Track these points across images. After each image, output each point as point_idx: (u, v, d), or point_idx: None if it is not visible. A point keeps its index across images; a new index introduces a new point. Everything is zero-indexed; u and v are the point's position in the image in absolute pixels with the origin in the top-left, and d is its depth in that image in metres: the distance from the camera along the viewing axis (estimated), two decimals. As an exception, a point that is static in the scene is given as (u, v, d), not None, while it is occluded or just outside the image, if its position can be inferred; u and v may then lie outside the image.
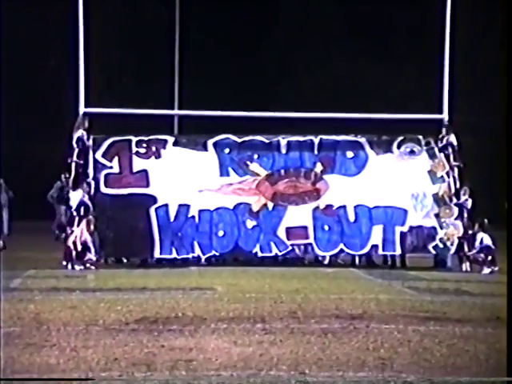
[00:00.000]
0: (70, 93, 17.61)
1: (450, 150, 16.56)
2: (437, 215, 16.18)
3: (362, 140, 16.53)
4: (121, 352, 7.73)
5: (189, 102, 25.06)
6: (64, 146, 16.71)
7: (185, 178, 16.13)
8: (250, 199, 16.12)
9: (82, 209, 15.36)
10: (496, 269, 15.35)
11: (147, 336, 8.45)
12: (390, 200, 16.13)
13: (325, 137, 16.49)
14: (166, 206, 15.94)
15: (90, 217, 15.35)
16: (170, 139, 16.59)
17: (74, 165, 15.92)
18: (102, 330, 8.75)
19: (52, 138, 25.08)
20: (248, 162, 16.26)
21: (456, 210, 16.21)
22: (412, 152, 16.58)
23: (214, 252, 16.00)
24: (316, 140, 16.44)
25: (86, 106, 16.30)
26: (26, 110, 27.68)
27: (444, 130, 16.73)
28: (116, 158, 16.15)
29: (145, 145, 16.30)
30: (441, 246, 16.15)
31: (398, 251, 16.23)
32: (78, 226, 15.21)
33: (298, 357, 7.64)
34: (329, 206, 16.13)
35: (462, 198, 16.22)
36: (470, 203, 16.20)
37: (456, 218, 16.17)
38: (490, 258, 15.42)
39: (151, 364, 7.30)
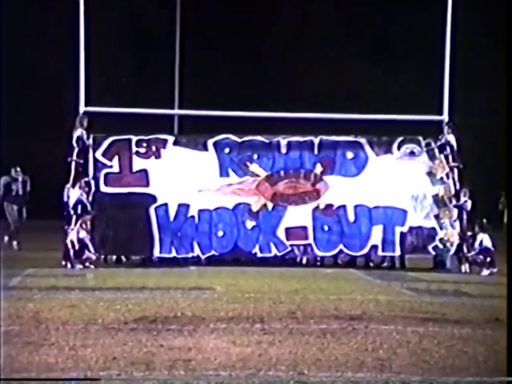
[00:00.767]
0: (70, 92, 17.61)
1: (450, 150, 16.57)
2: (436, 216, 16.19)
3: (362, 141, 16.54)
4: (120, 351, 7.73)
5: (189, 101, 25.07)
6: (64, 145, 16.71)
7: (184, 177, 16.14)
8: (250, 199, 16.13)
9: (80, 208, 15.36)
10: (495, 270, 15.36)
11: (146, 335, 8.45)
12: (389, 201, 16.13)
13: (325, 137, 16.50)
14: (166, 205, 15.95)
15: (88, 217, 15.35)
16: (170, 139, 16.60)
17: (73, 164, 15.93)
18: (101, 329, 8.75)
19: (52, 136, 25.09)
20: (248, 163, 16.26)
21: (456, 211, 16.23)
22: (412, 153, 16.59)
23: (213, 252, 16.01)
24: (316, 140, 16.45)
25: (86, 105, 16.31)
26: (25, 109, 27.70)
27: (444, 131, 16.74)
28: (116, 158, 16.16)
29: (145, 144, 16.31)
30: (440, 246, 16.16)
31: (398, 252, 16.24)
32: (76, 224, 15.21)
33: (297, 357, 7.64)
34: (328, 206, 16.14)
35: (462, 200, 16.23)
36: (469, 204, 16.22)
37: (455, 220, 16.19)
38: (489, 259, 15.42)
39: (150, 363, 7.30)
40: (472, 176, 17.05)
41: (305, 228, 16.06)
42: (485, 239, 15.54)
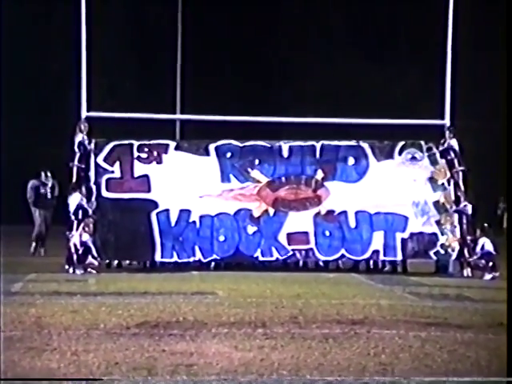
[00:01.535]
0: (72, 97, 17.63)
1: (452, 155, 16.56)
2: (438, 222, 16.19)
3: (364, 145, 16.53)
4: (122, 356, 7.73)
5: (191, 106, 25.09)
6: (65, 150, 16.73)
7: (186, 183, 16.14)
8: (251, 205, 16.13)
9: (81, 213, 15.37)
10: (497, 275, 15.34)
11: (148, 340, 8.45)
12: (390, 207, 16.13)
13: (326, 142, 16.51)
14: (167, 211, 15.96)
15: (90, 220, 15.36)
16: (172, 144, 16.62)
17: (75, 169, 15.94)
18: (103, 334, 8.74)
19: (53, 141, 25.11)
20: (249, 169, 16.27)
21: (457, 216, 16.21)
22: (413, 158, 16.58)
23: (215, 256, 16.01)
24: (317, 145, 16.45)
25: (87, 110, 16.33)
26: (27, 113, 27.74)
27: (445, 136, 16.74)
28: (117, 163, 16.16)
29: (146, 149, 16.31)
30: (442, 252, 16.15)
31: (399, 257, 16.24)
32: (77, 229, 15.22)
33: (299, 362, 7.64)
34: (330, 212, 16.14)
35: (463, 204, 16.22)
36: (471, 209, 16.20)
37: (457, 225, 16.17)
38: (491, 263, 15.41)
39: (152, 368, 7.30)
40: (474, 180, 17.05)
41: (306, 233, 16.06)
42: (486, 243, 15.53)
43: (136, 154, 16.23)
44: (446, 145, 16.66)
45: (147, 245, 15.82)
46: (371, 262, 16.40)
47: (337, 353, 8.01)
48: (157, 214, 15.90)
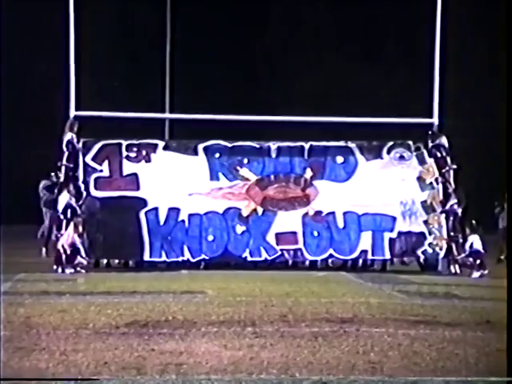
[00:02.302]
0: (61, 96, 17.58)
1: (440, 154, 16.62)
2: (425, 221, 16.25)
3: (352, 145, 16.58)
4: (111, 356, 7.72)
5: (180, 105, 25.06)
6: (54, 150, 16.68)
7: (175, 181, 16.14)
8: (240, 204, 16.14)
9: (69, 212, 15.34)
10: (485, 272, 15.41)
11: (137, 340, 8.44)
12: (379, 206, 16.17)
13: (315, 143, 16.54)
14: (156, 209, 15.95)
15: (78, 219, 15.33)
16: (161, 143, 16.62)
17: (63, 168, 15.91)
18: (92, 334, 8.73)
19: (42, 141, 25.03)
20: (238, 167, 16.28)
21: (444, 215, 16.26)
22: (402, 158, 16.63)
23: (203, 256, 16.01)
24: (306, 145, 16.48)
25: (76, 109, 16.29)
26: (15, 113, 27.62)
27: (433, 134, 16.79)
28: (106, 162, 16.15)
29: (135, 149, 16.31)
30: (430, 250, 16.21)
31: (387, 256, 16.28)
32: (66, 229, 15.19)
33: (289, 360, 7.65)
34: (318, 212, 16.17)
35: (452, 203, 16.26)
36: (459, 207, 16.25)
37: (444, 224, 16.22)
38: (479, 261, 15.48)
39: (141, 368, 7.29)
40: (463, 179, 17.10)
41: (294, 233, 16.09)
42: (475, 241, 15.59)
43: (125, 153, 16.22)
44: (434, 144, 16.71)
45: (136, 244, 15.81)
46: (360, 261, 16.43)
47: (326, 351, 8.02)
48: (145, 212, 15.89)
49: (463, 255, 15.69)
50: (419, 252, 16.23)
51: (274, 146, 16.47)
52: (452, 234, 16.18)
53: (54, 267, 14.99)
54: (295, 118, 18.64)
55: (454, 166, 16.44)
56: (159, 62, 27.40)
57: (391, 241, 16.13)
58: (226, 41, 28.80)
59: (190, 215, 15.96)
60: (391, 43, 28.98)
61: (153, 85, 27.61)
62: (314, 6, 29.67)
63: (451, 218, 16.25)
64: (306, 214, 16.15)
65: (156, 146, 16.46)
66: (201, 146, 16.35)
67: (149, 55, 28.76)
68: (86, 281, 13.65)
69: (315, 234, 16.08)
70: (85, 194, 15.83)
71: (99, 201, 15.89)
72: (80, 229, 15.31)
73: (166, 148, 16.46)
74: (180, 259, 15.97)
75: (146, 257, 15.93)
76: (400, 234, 16.15)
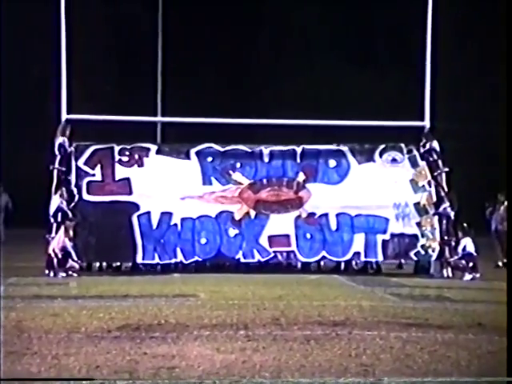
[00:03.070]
0: (52, 100, 17.55)
1: (432, 157, 16.67)
2: (418, 224, 16.28)
3: (345, 149, 16.61)
4: (103, 359, 7.70)
5: (172, 108, 25.05)
6: (46, 153, 16.65)
7: (167, 185, 16.14)
8: (233, 207, 16.15)
9: (60, 215, 15.31)
10: (477, 275, 15.44)
11: (129, 343, 8.42)
12: (371, 209, 16.20)
13: (307, 146, 16.57)
14: (149, 213, 15.94)
15: (69, 223, 15.30)
16: (153, 147, 16.63)
17: (55, 172, 15.88)
18: (84, 338, 8.71)
19: (34, 144, 24.98)
20: (230, 171, 16.30)
21: (437, 218, 16.30)
22: (394, 160, 16.67)
23: (196, 258, 16.01)
24: (298, 149, 16.51)
25: (68, 113, 16.27)
26: (7, 116, 27.56)
27: (425, 137, 16.84)
28: (98, 166, 16.14)
29: (127, 153, 16.31)
30: (422, 252, 16.25)
31: (380, 258, 16.32)
32: (57, 233, 15.16)
33: (281, 363, 7.65)
34: (311, 215, 16.19)
35: (444, 206, 16.30)
36: (451, 210, 16.28)
37: (437, 226, 16.26)
38: (471, 264, 15.51)
39: (133, 371, 7.28)
40: (454, 181, 17.14)
41: (287, 236, 16.10)
42: (468, 244, 15.63)
43: (117, 157, 16.22)
44: (426, 147, 16.76)
45: (129, 247, 15.79)
46: (352, 263, 16.46)
47: (318, 354, 8.03)
48: (138, 216, 15.88)
49: (456, 258, 15.72)
50: (412, 254, 16.27)
51: (266, 150, 16.49)
52: (445, 236, 16.21)
53: (46, 271, 14.95)
54: (287, 121, 18.67)
55: (446, 169, 16.49)
56: (151, 66, 27.39)
57: (384, 243, 16.15)
58: (218, 44, 28.82)
59: (183, 219, 15.96)
60: (383, 46, 29.05)
61: (145, 88, 27.60)
62: (305, 8, 29.72)
63: (444, 221, 16.29)
64: (299, 216, 16.17)
65: (148, 150, 16.46)
66: (193, 151, 16.36)
67: (141, 59, 28.75)
68: (78, 284, 13.62)
69: (308, 236, 16.10)
70: (77, 197, 15.80)
71: (92, 205, 15.87)
72: (71, 233, 15.28)
73: (158, 152, 16.47)
74: (173, 261, 15.98)
75: (139, 259, 15.93)
76: (393, 235, 16.19)
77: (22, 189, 23.93)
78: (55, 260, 14.93)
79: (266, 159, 16.44)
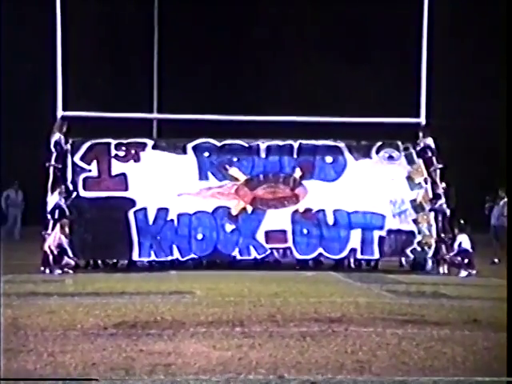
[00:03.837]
0: (48, 96, 17.52)
1: (428, 153, 16.69)
2: (415, 220, 16.30)
3: (341, 145, 16.62)
4: (99, 357, 7.70)
5: (168, 105, 25.02)
6: (42, 150, 16.62)
7: (164, 181, 16.12)
8: (229, 203, 16.14)
9: (57, 212, 15.29)
10: (473, 272, 15.47)
11: (126, 340, 8.42)
12: (368, 205, 16.20)
13: (304, 142, 16.56)
14: (145, 209, 15.93)
15: (65, 220, 15.29)
16: (150, 142, 16.61)
17: (51, 169, 15.86)
18: (80, 335, 8.71)
19: (29, 141, 24.94)
20: (227, 167, 16.29)
21: (433, 214, 16.32)
22: (391, 157, 16.69)
23: (192, 255, 16.01)
24: (295, 144, 16.50)
25: (63, 110, 16.24)
26: (2, 113, 27.51)
27: (421, 134, 16.86)
28: (95, 162, 16.12)
29: (124, 148, 16.29)
30: (418, 249, 16.27)
31: (377, 255, 16.33)
32: (54, 229, 15.14)
33: (277, 360, 7.65)
34: (307, 211, 16.19)
35: (440, 202, 16.33)
36: (447, 207, 16.30)
37: (433, 223, 16.28)
38: (467, 261, 15.54)
39: (130, 368, 7.28)
40: (451, 178, 17.16)
41: (284, 232, 16.10)
42: (464, 241, 15.64)
43: (113, 152, 16.19)
44: (422, 144, 16.78)
45: (125, 243, 15.78)
46: (349, 260, 16.47)
47: (315, 351, 8.03)
48: (134, 212, 15.87)
49: (452, 254, 15.75)
50: (408, 251, 16.29)
51: (263, 144, 16.48)
52: (441, 233, 16.23)
53: (42, 268, 14.94)
54: (283, 117, 18.64)
55: (440, 166, 16.50)
56: (147, 62, 27.36)
57: (381, 239, 16.16)
58: (213, 40, 28.79)
59: (179, 215, 15.95)
60: (379, 43, 29.04)
61: (141, 85, 27.56)
62: (301, 5, 29.70)
63: (440, 218, 16.31)
64: (296, 211, 16.17)
65: (145, 145, 16.44)
66: (190, 145, 16.35)
67: (136, 55, 28.71)
68: (74, 282, 13.62)
69: (305, 232, 16.10)
70: (74, 194, 15.78)
71: (88, 201, 15.85)
72: (67, 229, 15.26)
73: (154, 147, 16.45)
74: (169, 258, 15.98)
75: (135, 256, 15.91)
76: (390, 232, 16.20)
77: (19, 185, 23.88)
78: (51, 257, 14.92)
79: (263, 154, 16.44)
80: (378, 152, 16.67)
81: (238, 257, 16.08)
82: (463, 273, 15.45)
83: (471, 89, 27.85)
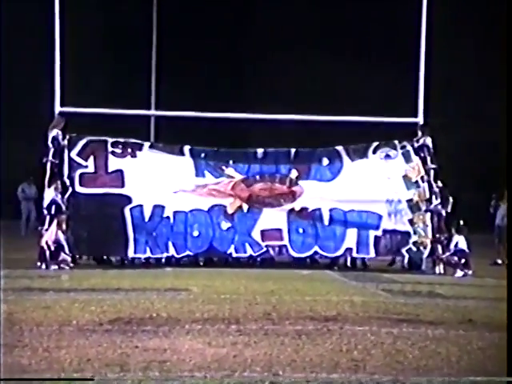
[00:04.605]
0: (46, 92, 17.50)
1: (425, 153, 16.69)
2: (410, 220, 16.30)
3: (339, 148, 16.64)
4: (94, 353, 7.70)
5: (166, 102, 25.01)
6: (39, 146, 16.61)
7: (160, 178, 16.12)
8: (225, 201, 16.14)
9: (54, 208, 15.28)
10: (469, 272, 15.48)
11: (121, 337, 8.43)
12: (364, 204, 16.21)
13: (301, 149, 16.56)
14: (141, 206, 15.93)
15: (62, 216, 15.28)
16: (146, 144, 16.69)
17: (49, 164, 15.85)
18: (76, 331, 8.71)
19: (27, 137, 24.92)
20: (223, 167, 16.30)
21: (430, 214, 16.32)
22: (387, 156, 16.69)
23: (188, 252, 16.02)
24: (292, 150, 16.52)
25: (61, 106, 16.23)
26: (1, 109, 27.49)
27: (419, 133, 16.86)
28: (91, 158, 16.11)
29: (121, 145, 16.30)
30: (414, 249, 16.28)
31: (372, 254, 16.34)
32: (50, 225, 15.12)
33: (272, 358, 7.66)
34: (304, 209, 16.20)
35: (436, 202, 16.33)
36: (443, 208, 16.28)
37: (429, 223, 16.28)
38: (463, 261, 15.55)
39: (124, 365, 7.28)
40: (452, 177, 17.15)
41: (280, 230, 16.11)
42: (460, 241, 15.66)
43: (110, 148, 16.18)
44: (419, 143, 16.78)
45: (120, 240, 15.78)
46: (344, 259, 16.48)
47: (309, 349, 8.04)
48: (130, 209, 15.87)
49: (448, 254, 15.75)
50: (404, 251, 16.29)
51: (260, 150, 16.49)
52: (437, 233, 16.23)
53: (38, 264, 14.93)
54: (282, 116, 18.65)
55: (434, 166, 16.50)
56: (145, 60, 27.34)
57: (376, 239, 16.17)
58: (211, 37, 28.78)
59: (175, 212, 15.95)
60: (377, 43, 29.05)
61: (139, 82, 27.55)
62: (299, 4, 29.70)
63: (436, 218, 16.31)
64: (292, 210, 16.17)
65: (141, 145, 16.49)
66: (187, 148, 16.37)
67: (135, 52, 28.68)
68: (69, 277, 13.62)
69: (300, 230, 16.11)
70: (70, 189, 15.77)
71: (84, 197, 15.84)
72: (64, 225, 15.25)
73: (151, 147, 16.53)
74: (164, 255, 15.98)
75: (131, 253, 15.91)
76: (385, 232, 16.20)
77: (14, 181, 23.86)
78: (48, 252, 14.91)
79: (260, 158, 16.45)
80: (374, 152, 16.68)
81: (234, 254, 16.09)
82: (459, 273, 15.47)
83: (471, 89, 27.86)
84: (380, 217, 16.24)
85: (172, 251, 15.93)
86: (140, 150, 16.33)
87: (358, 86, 28.29)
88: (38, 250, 15.11)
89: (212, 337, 8.52)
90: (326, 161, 16.50)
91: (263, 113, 19.11)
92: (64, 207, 15.52)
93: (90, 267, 15.53)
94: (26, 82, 27.95)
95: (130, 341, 8.25)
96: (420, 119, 16.90)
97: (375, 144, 16.74)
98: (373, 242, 16.18)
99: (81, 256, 15.97)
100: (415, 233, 16.26)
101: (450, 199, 16.29)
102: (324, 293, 12.11)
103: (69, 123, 16.38)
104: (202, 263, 16.25)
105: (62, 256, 15.03)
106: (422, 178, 16.53)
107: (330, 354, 7.85)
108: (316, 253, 16.27)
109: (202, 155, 16.33)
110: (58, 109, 16.18)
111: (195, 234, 15.96)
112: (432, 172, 16.49)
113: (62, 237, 15.12)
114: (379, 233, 16.22)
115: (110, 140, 16.28)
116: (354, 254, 16.33)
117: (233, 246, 16.02)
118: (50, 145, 15.91)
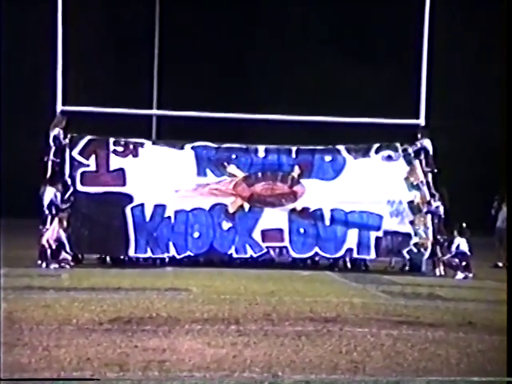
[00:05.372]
0: (48, 91, 17.51)
1: (426, 155, 16.68)
2: (412, 222, 16.29)
3: (340, 148, 16.64)
4: (93, 352, 7.71)
5: (168, 102, 25.02)
6: (41, 145, 16.61)
7: (162, 177, 16.12)
8: (227, 200, 16.13)
9: (54, 207, 15.28)
10: (470, 275, 15.46)
11: (121, 336, 8.43)
12: (365, 205, 16.20)
13: (302, 147, 16.56)
14: (142, 205, 15.92)
15: (63, 215, 15.27)
16: (148, 143, 16.70)
17: (50, 163, 15.85)
18: (75, 330, 8.71)
19: (29, 136, 24.93)
20: (225, 164, 16.28)
21: (430, 216, 16.31)
22: (389, 157, 16.69)
23: (188, 253, 16.00)
24: (294, 148, 16.51)
25: (63, 105, 16.23)
26: (2, 108, 27.50)
27: (420, 135, 16.86)
28: (93, 156, 16.10)
29: (122, 144, 16.30)
30: (415, 251, 16.27)
31: (373, 255, 16.32)
32: (51, 224, 15.12)
33: (272, 359, 7.66)
34: (305, 209, 16.18)
35: (437, 204, 16.32)
36: (444, 209, 16.27)
37: (431, 225, 16.27)
38: (464, 263, 15.53)
39: (124, 364, 7.28)
40: (448, 179, 17.14)
41: (281, 230, 16.09)
42: (462, 243, 15.64)
43: (112, 147, 16.18)
44: (420, 145, 16.78)
45: (121, 239, 15.77)
46: (344, 260, 16.46)
47: (309, 350, 8.04)
48: (131, 208, 15.86)
49: (448, 256, 15.74)
50: (404, 252, 16.28)
51: (261, 147, 16.48)
52: (437, 235, 16.22)
53: (39, 262, 14.93)
54: (284, 116, 18.66)
55: (429, 169, 16.49)
56: (147, 59, 27.35)
57: (377, 240, 16.16)
58: (214, 37, 28.79)
59: (176, 212, 15.94)
60: (379, 44, 29.05)
61: (141, 81, 27.56)
62: (303, 3, 29.70)
63: (436, 220, 16.30)
64: (293, 210, 16.15)
65: (143, 144, 16.50)
66: (188, 146, 16.37)
67: (137, 52, 28.70)
68: (70, 276, 13.61)
69: (301, 231, 16.08)
70: (71, 188, 15.77)
71: (85, 196, 15.84)
72: (65, 224, 15.25)
73: (154, 143, 16.55)
74: (165, 255, 15.97)
75: (131, 252, 15.91)
76: (386, 233, 16.19)
77: (16, 180, 23.88)
78: (49, 251, 14.90)
79: (262, 155, 16.44)
80: (376, 152, 16.68)
81: (235, 255, 16.07)
82: (460, 275, 15.45)
83: (471, 89, 27.85)
84: (381, 218, 16.22)
85: (173, 251, 15.91)
86: (142, 148, 16.32)
87: (360, 87, 28.29)
88: (39, 248, 15.10)
89: (212, 337, 8.52)
90: (328, 158, 16.50)
91: (265, 113, 19.12)
92: (65, 206, 15.52)
93: (90, 266, 15.52)
94: (28, 81, 27.97)
95: (130, 340, 8.26)
96: (421, 121, 16.90)
97: (377, 145, 16.74)
98: (374, 243, 16.16)
99: (83, 255, 15.97)
100: (416, 234, 16.25)
101: (448, 202, 16.27)
102: (324, 294, 12.11)
103: (70, 122, 16.39)
104: (202, 263, 16.23)
105: (63, 255, 15.03)
106: (422, 181, 16.53)
107: (329, 355, 7.84)
108: (316, 254, 16.25)
109: (204, 152, 16.32)
110: (59, 108, 16.18)
111: (196, 235, 15.95)
112: (430, 174, 16.48)
113: (63, 235, 15.12)
114: (380, 234, 16.20)
115: (112, 139, 16.28)
116: (355, 255, 16.31)
117: (233, 247, 16.01)
118: (52, 143, 15.91)
